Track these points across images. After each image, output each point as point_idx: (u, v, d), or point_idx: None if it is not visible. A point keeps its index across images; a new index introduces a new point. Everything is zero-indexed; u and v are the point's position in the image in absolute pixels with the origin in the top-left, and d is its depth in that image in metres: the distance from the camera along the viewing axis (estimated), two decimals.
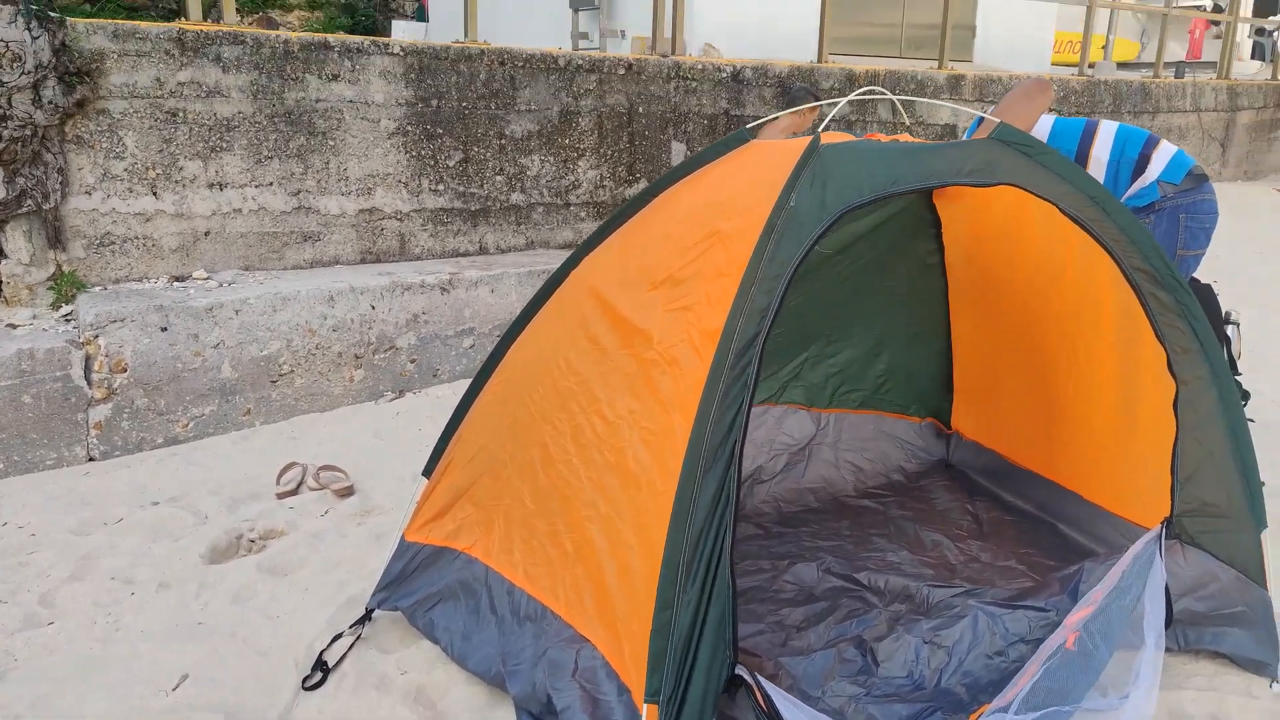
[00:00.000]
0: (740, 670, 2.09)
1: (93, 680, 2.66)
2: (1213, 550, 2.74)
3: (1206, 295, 4.08)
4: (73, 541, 3.43)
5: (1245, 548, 2.72)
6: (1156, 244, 2.67)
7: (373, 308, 5.11)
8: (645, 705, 1.96)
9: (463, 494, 2.77)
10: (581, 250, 2.83)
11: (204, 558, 3.34)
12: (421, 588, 2.78)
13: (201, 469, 4.13)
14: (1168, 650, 2.68)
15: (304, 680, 2.65)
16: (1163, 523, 2.74)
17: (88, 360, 4.23)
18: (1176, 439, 2.73)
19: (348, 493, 3.90)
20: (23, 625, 2.92)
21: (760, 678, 2.11)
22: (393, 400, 5.10)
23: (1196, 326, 2.68)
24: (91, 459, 4.21)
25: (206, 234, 4.99)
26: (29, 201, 4.33)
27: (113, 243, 4.73)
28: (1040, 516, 3.63)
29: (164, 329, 4.42)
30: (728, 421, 2.09)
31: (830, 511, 3.77)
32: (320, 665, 2.70)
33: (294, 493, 3.93)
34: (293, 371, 4.84)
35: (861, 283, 3.94)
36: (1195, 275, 4.03)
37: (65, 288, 4.58)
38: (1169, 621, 2.64)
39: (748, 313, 2.15)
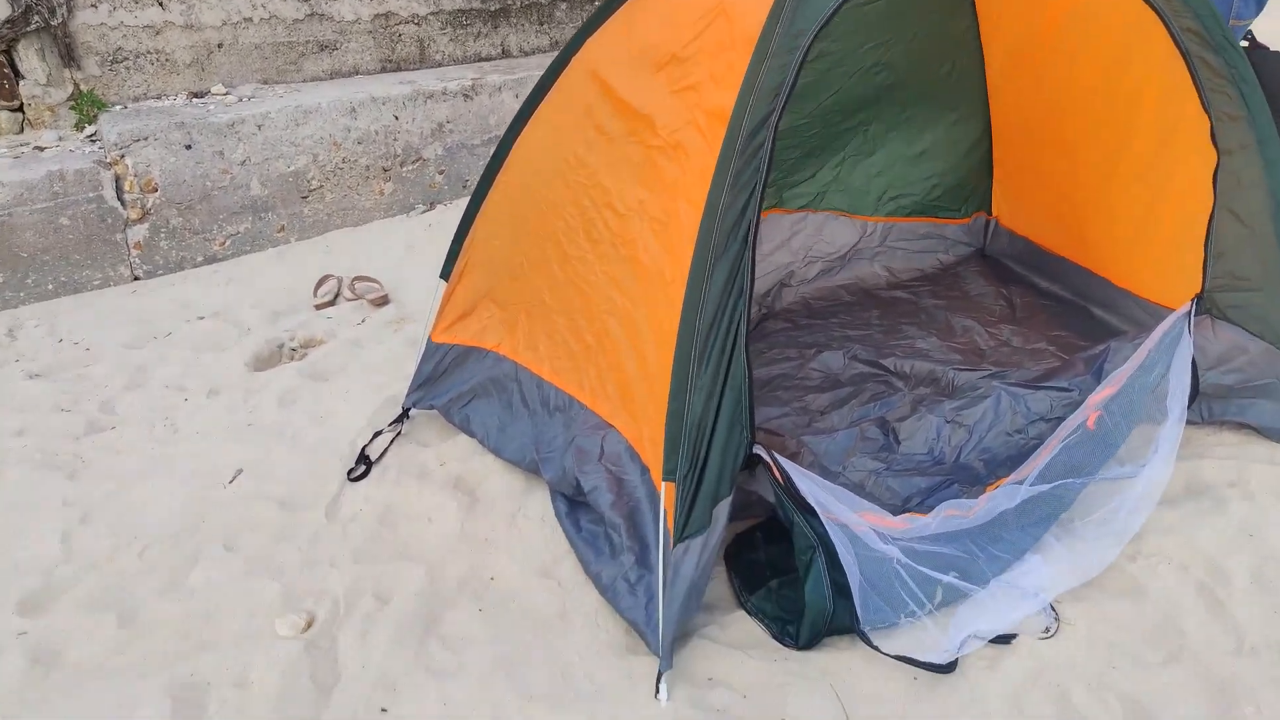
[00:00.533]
0: (758, 449, 2.15)
1: (156, 477, 2.83)
2: (1243, 324, 2.69)
3: (1270, 63, 3.80)
4: (126, 355, 3.57)
5: (1278, 320, 2.67)
6: (1210, 3, 2.48)
7: (396, 118, 5.01)
8: (663, 483, 2.03)
9: (484, 295, 2.80)
10: (583, 32, 2.69)
11: (249, 366, 3.47)
12: (454, 386, 2.87)
13: (241, 284, 4.21)
14: (1192, 423, 2.69)
15: (349, 472, 2.79)
16: (1193, 299, 2.69)
17: (118, 180, 4.25)
18: (1212, 213, 2.62)
19: (383, 302, 3.97)
20: (87, 430, 3.09)
21: (777, 455, 2.16)
22: (424, 213, 5.09)
23: (1246, 92, 2.52)
24: (136, 278, 4.31)
25: (220, 46, 4.86)
26: (36, 18, 4.24)
27: (126, 58, 4.64)
28: (1073, 301, 3.58)
29: (188, 146, 4.40)
30: (739, 207, 2.04)
31: (861, 303, 3.75)
32: (363, 459, 2.84)
33: (331, 303, 4.01)
34: (322, 187, 4.83)
35: (896, 69, 3.72)
36: (1263, 42, 3.75)
37: (86, 107, 4.54)
38: (1194, 396, 2.64)
39: (759, 90, 2.06)
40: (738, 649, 2.14)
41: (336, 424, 3.04)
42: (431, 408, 2.92)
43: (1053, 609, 2.19)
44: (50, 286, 4.15)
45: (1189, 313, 2.66)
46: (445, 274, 2.92)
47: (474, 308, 2.83)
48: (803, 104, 3.66)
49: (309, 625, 2.24)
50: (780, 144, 3.70)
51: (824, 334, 3.50)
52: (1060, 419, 2.74)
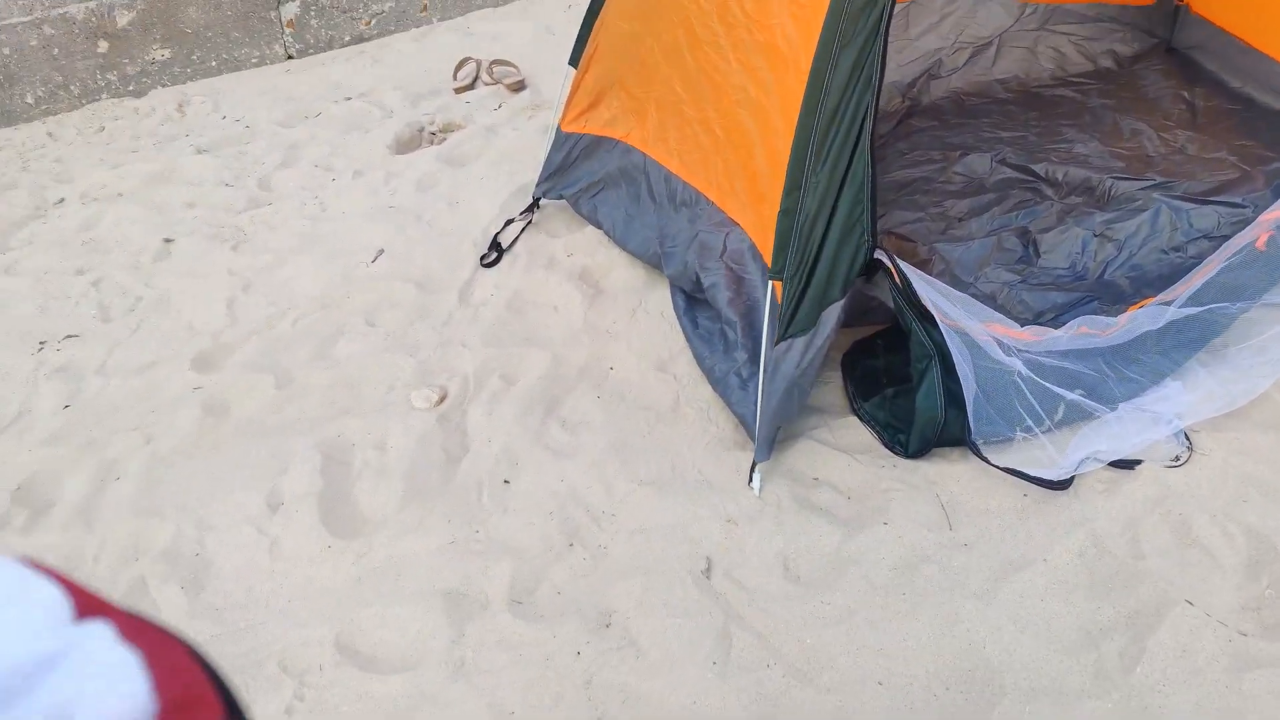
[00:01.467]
0: (880, 254, 2.02)
1: (307, 252, 2.95)
2: None
3: None
4: (280, 133, 3.65)
5: None
6: None
7: None
8: (770, 281, 1.95)
9: (614, 83, 2.65)
10: None
11: (390, 148, 3.49)
12: (584, 176, 2.80)
13: (386, 66, 4.18)
14: None
15: (481, 258, 2.82)
16: None
17: None
18: None
19: (520, 87, 3.87)
20: (247, 205, 3.22)
21: (898, 260, 2.03)
22: None
23: None
24: (290, 56, 4.34)
25: None
26: None
27: None
28: (1269, 107, 3.11)
29: None
30: None
31: (1019, 102, 3.38)
32: (495, 246, 2.86)
33: (470, 87, 3.94)
34: None
35: None
36: None
37: None
38: None
39: None
40: (846, 452, 2.12)
41: (471, 210, 3.05)
42: (560, 198, 2.88)
43: (1186, 436, 2.05)
44: (213, 63, 4.23)
45: None
46: (574, 60, 2.78)
47: (603, 96, 2.70)
48: None
49: (441, 400, 2.35)
50: None
51: (973, 134, 3.18)
52: (1226, 238, 2.46)
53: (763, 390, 1.99)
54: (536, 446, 2.19)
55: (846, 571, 1.88)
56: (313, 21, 4.37)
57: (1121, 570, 1.84)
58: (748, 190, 2.22)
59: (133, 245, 3.07)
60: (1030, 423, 2.08)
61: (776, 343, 1.98)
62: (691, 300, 2.47)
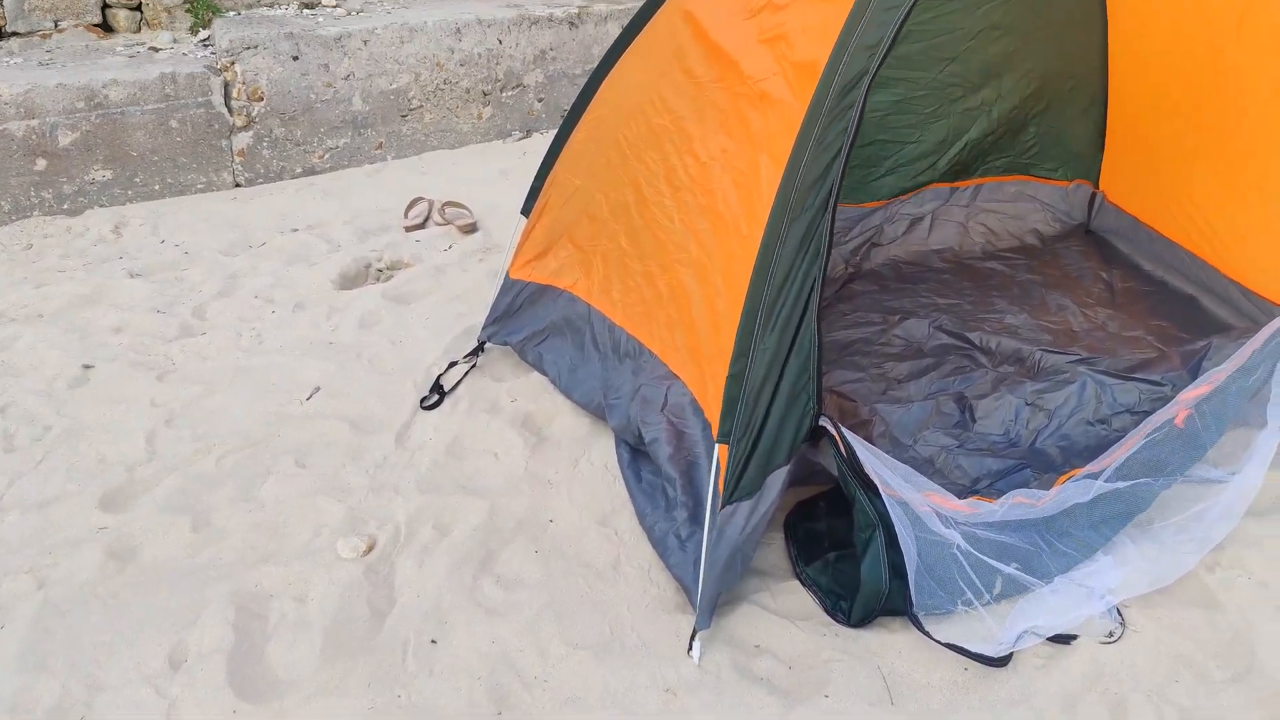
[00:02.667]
0: (824, 421, 2.05)
1: (238, 385, 2.88)
2: None
3: None
4: (221, 261, 3.62)
5: None
6: None
7: (500, 42, 4.91)
8: (717, 445, 1.96)
9: (562, 234, 2.73)
10: None
11: (335, 283, 3.48)
12: (529, 323, 2.82)
13: (336, 199, 4.23)
14: None
15: (422, 400, 2.79)
16: None
17: (226, 87, 4.27)
18: None
19: (471, 229, 3.93)
20: (179, 334, 3.15)
21: (843, 427, 2.06)
22: (520, 140, 5.02)
23: None
24: (238, 184, 4.36)
25: None
26: None
27: None
28: (1178, 289, 3.33)
29: (295, 58, 4.38)
30: (822, 166, 1.91)
31: (953, 271, 3.56)
32: (437, 388, 2.83)
33: (420, 226, 4.00)
34: (422, 107, 4.79)
35: (1015, 33, 3.47)
36: None
37: (201, 11, 4.56)
38: None
39: (855, 47, 1.91)
40: (787, 618, 2.08)
41: (414, 350, 3.04)
42: (506, 344, 2.89)
43: (1119, 613, 2.07)
44: (156, 187, 4.22)
45: None
46: (526, 210, 2.86)
47: (552, 246, 2.76)
48: (918, 73, 3.45)
49: (369, 549, 2.26)
50: (893, 118, 3.53)
51: (911, 299, 3.34)
52: (1148, 413, 2.57)
53: (706, 557, 1.96)
54: (468, 603, 2.11)
55: None
56: (265, 152, 4.42)
57: None
58: (688, 345, 2.26)
59: (48, 370, 2.96)
60: (970, 595, 2.09)
61: (721, 507, 1.96)
62: (635, 453, 2.46)
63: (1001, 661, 1.96)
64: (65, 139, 4.00)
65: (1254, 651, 1.96)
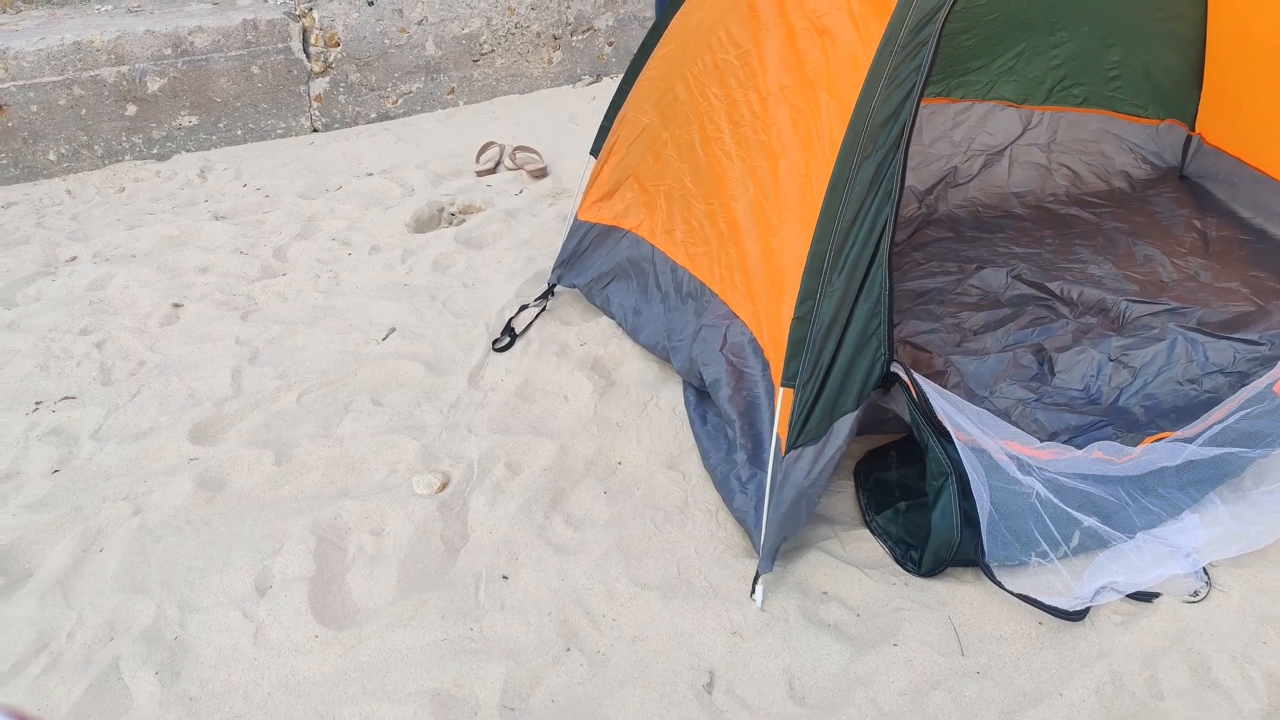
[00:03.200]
0: (896, 366, 1.99)
1: (318, 325, 2.93)
2: None
3: None
4: (299, 204, 3.67)
5: None
6: None
7: None
8: (781, 389, 1.92)
9: (629, 174, 2.69)
10: None
11: (409, 226, 3.51)
12: (595, 265, 2.81)
13: (409, 144, 4.24)
14: None
15: (494, 342, 2.80)
16: None
17: (305, 33, 4.30)
18: None
19: (541, 174, 3.91)
20: (261, 275, 3.21)
21: (915, 372, 2.00)
22: (589, 84, 4.96)
23: None
24: (315, 130, 4.41)
25: None
26: None
27: None
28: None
29: (370, 3, 4.38)
30: (894, 104, 1.84)
31: (1033, 218, 3.42)
32: (508, 330, 2.84)
33: (492, 171, 3.99)
34: (493, 51, 4.75)
35: None
36: None
37: None
38: None
39: None
40: (856, 566, 2.05)
41: (486, 293, 3.05)
42: (574, 286, 2.88)
43: (1205, 572, 1.99)
44: (239, 132, 4.29)
45: None
46: (595, 150, 2.82)
47: (619, 186, 2.73)
48: None
49: (443, 486, 2.29)
50: (954, 29, 3.33)
51: (988, 248, 3.21)
52: (1243, 374, 2.44)
53: (769, 500, 1.94)
54: (539, 541, 2.13)
55: (854, 695, 1.80)
56: (340, 98, 4.45)
57: (1140, 710, 1.76)
58: (745, 284, 2.22)
59: (141, 308, 3.05)
60: (1046, 547, 2.03)
61: (785, 452, 1.93)
62: (701, 396, 2.44)
63: (1078, 616, 1.91)
64: (154, 85, 4.08)
65: None
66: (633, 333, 2.68)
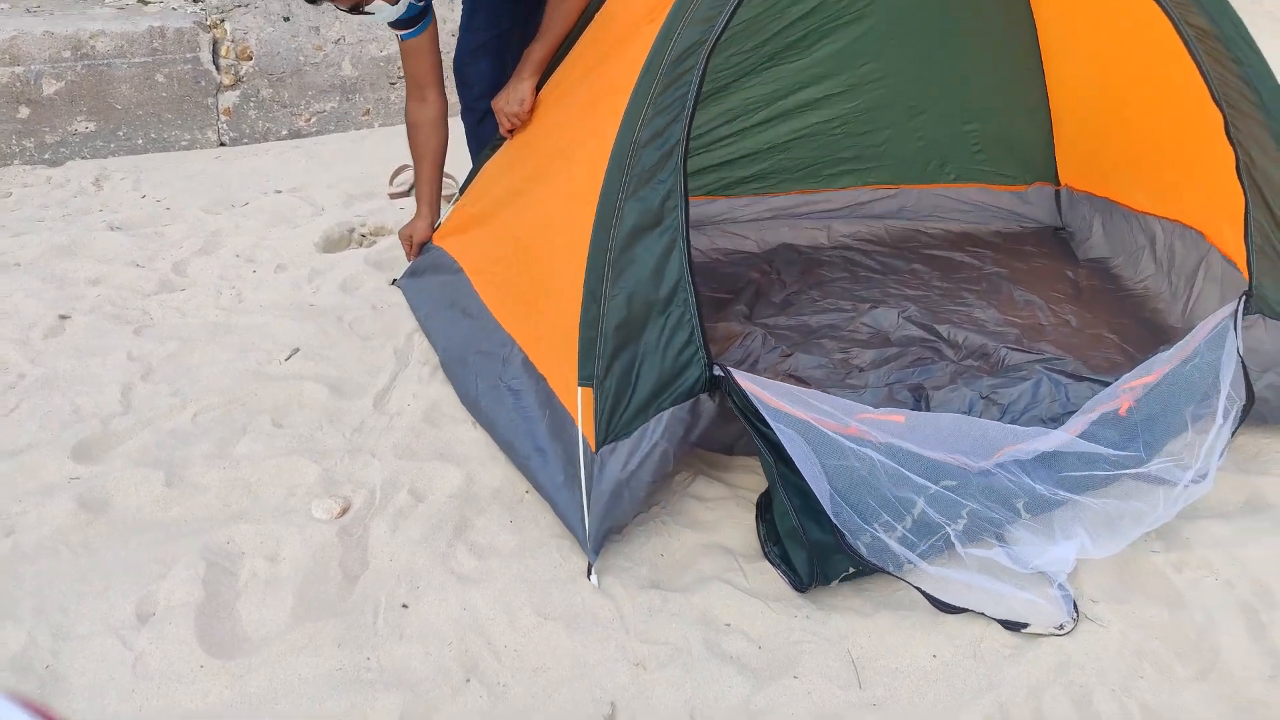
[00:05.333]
0: (717, 370, 2.06)
1: (218, 343, 2.76)
2: None
3: None
4: (203, 219, 3.48)
5: None
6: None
7: None
8: (580, 388, 1.97)
9: (475, 213, 2.77)
10: None
11: (317, 246, 3.37)
12: (429, 281, 2.88)
13: (320, 164, 4.09)
14: (1256, 433, 2.47)
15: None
16: (1240, 296, 2.42)
17: (215, 44, 4.11)
18: (1246, 208, 2.36)
19: (455, 198, 3.82)
20: (158, 289, 3.02)
21: (735, 370, 2.05)
22: None
23: (1263, 90, 2.27)
24: (222, 144, 4.21)
25: None
26: None
27: None
28: (1142, 288, 3.27)
29: (286, 19, 4.22)
30: (660, 125, 1.98)
31: (923, 262, 3.52)
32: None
33: (405, 194, 3.87)
34: None
35: (939, 39, 3.43)
36: None
37: None
38: (1250, 403, 2.39)
39: (689, 19, 1.98)
40: (758, 598, 2.01)
41: (395, 315, 2.93)
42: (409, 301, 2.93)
43: (1075, 606, 2.02)
44: (140, 141, 4.05)
45: (1235, 311, 2.40)
46: (462, 188, 2.93)
47: (466, 225, 2.81)
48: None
49: (344, 512, 2.17)
50: (824, 117, 3.52)
51: (881, 290, 3.29)
52: None
53: (586, 492, 1.98)
54: (441, 570, 2.03)
55: None
56: (251, 113, 4.26)
57: None
58: (529, 310, 2.33)
59: (23, 318, 2.82)
60: (888, 518, 2.01)
61: (596, 449, 1.97)
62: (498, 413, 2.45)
63: (952, 609, 1.95)
64: (49, 88, 3.82)
65: (1218, 651, 1.93)
66: (438, 353, 2.70)
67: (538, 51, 2.63)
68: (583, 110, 2.36)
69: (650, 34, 2.09)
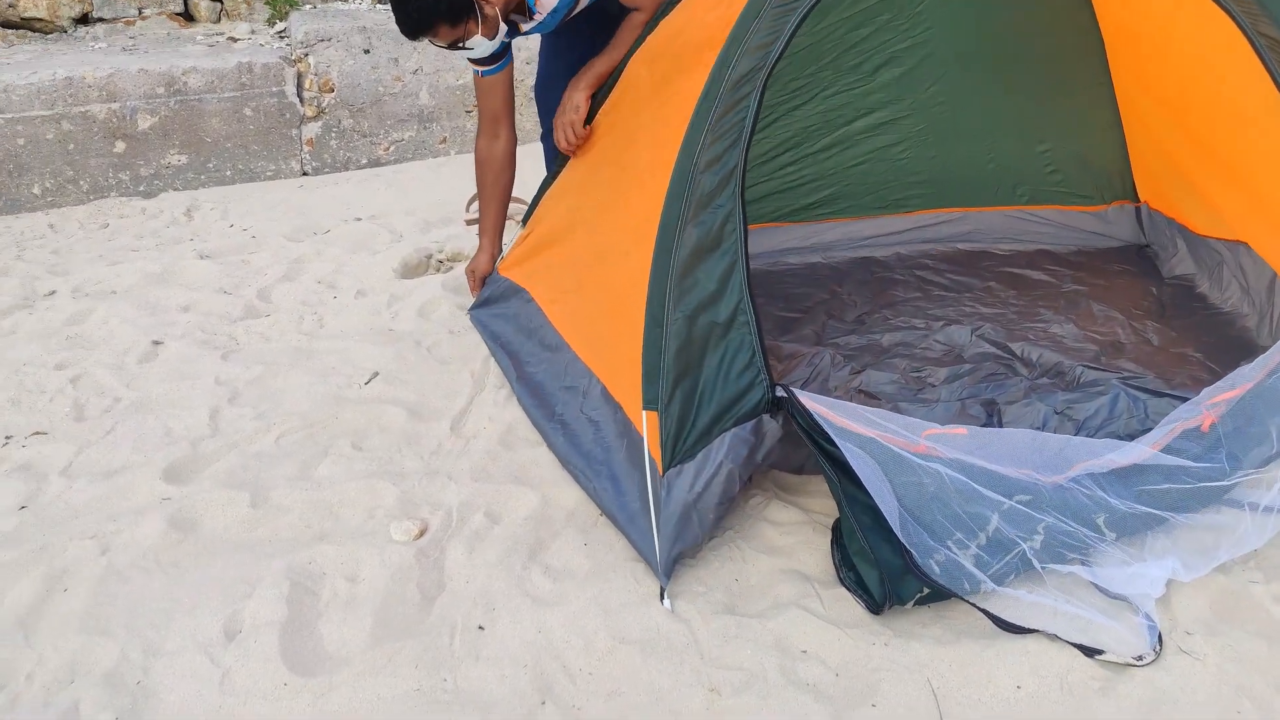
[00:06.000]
0: (781, 389, 2.03)
1: (300, 367, 2.82)
2: None
3: None
4: (286, 246, 3.58)
5: None
6: None
7: None
8: (645, 412, 1.96)
9: (545, 243, 2.75)
10: None
11: (396, 272, 3.43)
12: (502, 313, 2.86)
13: (399, 191, 4.18)
14: None
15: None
16: None
17: (299, 78, 4.24)
18: None
19: None
20: (244, 315, 3.11)
21: (798, 390, 2.01)
22: None
23: None
24: (305, 173, 4.33)
25: None
26: None
27: None
28: (1226, 306, 3.13)
29: (367, 51, 4.34)
30: (719, 150, 1.98)
31: (998, 280, 3.42)
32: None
33: None
34: None
35: (1006, 59, 3.34)
36: None
37: (279, 4, 4.52)
38: None
39: (747, 46, 1.98)
40: (835, 625, 1.96)
41: (472, 339, 2.96)
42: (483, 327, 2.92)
43: (1160, 638, 1.91)
44: (228, 173, 4.20)
45: None
46: (523, 222, 2.93)
47: (534, 253, 2.81)
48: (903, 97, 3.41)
49: (421, 533, 2.18)
50: (885, 142, 3.47)
51: (955, 307, 3.20)
52: None
53: (655, 515, 1.97)
54: (516, 592, 2.02)
55: None
56: (332, 143, 4.38)
57: None
58: (606, 336, 2.31)
59: (119, 344, 2.93)
60: (960, 535, 1.94)
61: (664, 472, 1.96)
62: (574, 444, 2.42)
63: (1021, 630, 1.89)
64: (144, 123, 3.98)
65: None
66: (511, 380, 2.67)
67: (599, 65, 2.64)
68: (645, 137, 2.36)
69: (711, 59, 2.09)
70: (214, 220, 3.79)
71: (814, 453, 1.99)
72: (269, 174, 4.25)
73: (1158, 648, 1.88)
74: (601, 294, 2.36)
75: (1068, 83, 3.42)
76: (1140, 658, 1.86)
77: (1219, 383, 2.28)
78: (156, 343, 2.94)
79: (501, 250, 3.04)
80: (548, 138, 3.16)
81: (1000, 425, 2.49)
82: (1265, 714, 1.78)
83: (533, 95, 3.26)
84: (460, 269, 3.48)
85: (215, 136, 4.08)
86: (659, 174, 2.08)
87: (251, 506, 2.25)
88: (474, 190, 4.10)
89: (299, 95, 4.22)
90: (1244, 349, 2.87)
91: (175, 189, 4.05)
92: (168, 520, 2.19)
